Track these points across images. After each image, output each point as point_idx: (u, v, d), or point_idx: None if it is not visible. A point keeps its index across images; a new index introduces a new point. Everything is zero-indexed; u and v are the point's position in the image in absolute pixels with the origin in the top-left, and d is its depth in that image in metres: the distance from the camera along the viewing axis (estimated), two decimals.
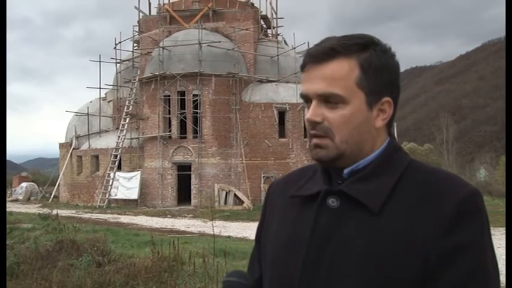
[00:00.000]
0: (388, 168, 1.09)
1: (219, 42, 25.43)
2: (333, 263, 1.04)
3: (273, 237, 1.19)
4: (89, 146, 28.57)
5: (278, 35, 31.42)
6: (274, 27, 31.19)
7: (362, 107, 1.08)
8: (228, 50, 25.61)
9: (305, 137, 24.82)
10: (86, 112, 29.57)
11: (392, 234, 1.02)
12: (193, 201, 24.49)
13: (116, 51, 28.93)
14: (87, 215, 20.62)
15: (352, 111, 1.07)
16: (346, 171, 1.11)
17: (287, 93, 25.28)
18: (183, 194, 25.05)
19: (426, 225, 1.01)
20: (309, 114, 1.09)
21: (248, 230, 15.11)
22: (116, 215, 20.62)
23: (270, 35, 30.94)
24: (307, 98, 1.11)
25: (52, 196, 30.29)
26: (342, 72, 1.07)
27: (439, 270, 1.00)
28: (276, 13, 31.04)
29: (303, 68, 1.13)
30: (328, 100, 1.08)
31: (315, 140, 1.10)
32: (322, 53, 1.09)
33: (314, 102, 1.09)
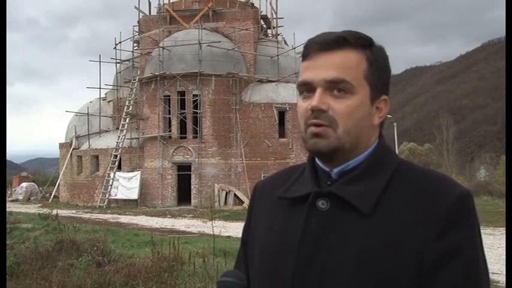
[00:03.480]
0: (378, 169, 1.08)
1: (219, 42, 25.43)
2: (325, 266, 1.02)
3: (261, 241, 1.16)
4: (89, 146, 28.56)
5: (278, 35, 31.44)
6: (274, 27, 31.21)
7: (366, 100, 1.07)
8: (228, 50, 25.62)
9: None
10: (86, 112, 29.58)
11: (384, 237, 1.00)
12: (193, 201, 24.49)
13: (115, 52, 28.98)
14: (87, 215, 20.60)
15: (358, 103, 1.06)
16: (335, 171, 1.09)
17: (287, 93, 25.29)
18: (183, 194, 25.05)
19: (419, 227, 1.00)
20: (315, 101, 1.04)
21: None
22: (115, 215, 20.61)
23: (270, 35, 30.94)
24: (309, 87, 1.07)
25: (52, 196, 30.29)
26: (352, 62, 1.06)
27: (433, 272, 0.99)
28: (276, 13, 31.08)
29: (306, 56, 1.09)
30: (337, 88, 1.05)
31: (313, 129, 1.05)
32: (333, 41, 1.06)
33: (319, 90, 1.05)
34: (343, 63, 1.05)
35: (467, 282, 0.99)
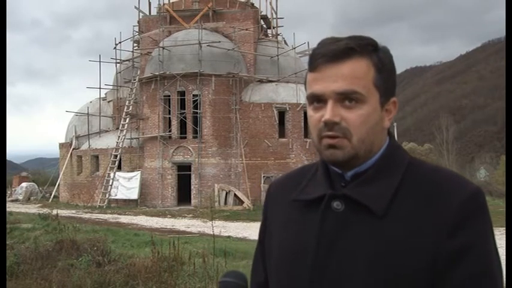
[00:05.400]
0: (390, 169, 1.10)
1: (219, 42, 25.42)
2: (341, 266, 1.04)
3: (278, 241, 1.18)
4: (89, 146, 28.56)
5: (278, 35, 31.43)
6: (274, 27, 31.20)
7: (377, 106, 1.09)
8: (228, 50, 25.61)
9: (305, 137, 24.85)
10: (86, 112, 29.58)
11: (398, 236, 1.02)
12: (193, 201, 24.48)
13: (115, 52, 28.97)
14: (87, 215, 20.61)
15: (369, 111, 1.07)
16: (349, 173, 1.11)
17: (287, 93, 25.28)
18: (183, 194, 25.04)
19: (431, 225, 1.02)
20: (328, 114, 1.06)
21: (248, 230, 15.10)
22: (116, 215, 20.62)
23: (270, 35, 30.93)
24: (320, 98, 1.08)
25: (52, 196, 30.28)
26: (361, 71, 1.07)
27: (447, 270, 1.00)
28: (276, 13, 31.06)
29: (314, 68, 1.09)
30: (348, 98, 1.06)
31: (328, 141, 1.07)
32: (340, 52, 1.07)
33: (331, 102, 1.06)
34: (352, 74, 1.06)
35: (481, 279, 1.00)
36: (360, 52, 1.07)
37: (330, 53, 1.07)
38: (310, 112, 1.11)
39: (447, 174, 1.09)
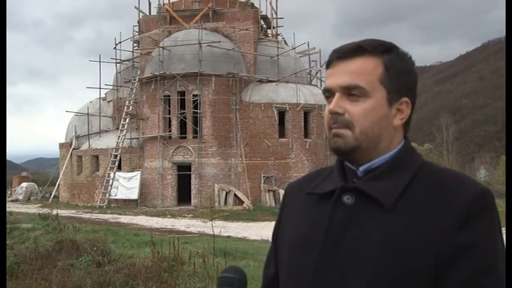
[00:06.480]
0: (401, 168, 1.13)
1: (219, 42, 25.43)
2: (348, 257, 1.07)
3: (291, 234, 1.22)
4: (89, 146, 28.56)
5: (278, 35, 31.42)
6: (274, 27, 31.20)
7: (382, 102, 1.13)
8: (228, 50, 25.61)
9: (305, 137, 24.86)
10: (86, 112, 29.58)
11: (405, 231, 1.05)
12: (193, 201, 24.48)
13: (116, 52, 28.97)
14: (87, 215, 20.62)
15: (373, 105, 1.12)
16: (361, 169, 1.15)
17: (287, 93, 25.28)
18: (183, 194, 25.04)
19: (438, 222, 1.04)
20: (331, 105, 1.13)
21: (248, 230, 15.11)
22: (115, 215, 20.62)
23: (270, 35, 30.93)
24: (330, 93, 1.16)
25: (52, 196, 30.28)
26: (367, 68, 1.13)
27: (450, 267, 1.02)
28: (276, 13, 31.05)
29: (328, 65, 1.18)
30: (351, 93, 1.12)
31: (334, 130, 1.14)
32: (350, 50, 1.15)
33: (337, 95, 1.13)
34: (357, 70, 1.13)
35: (483, 277, 1.01)
36: (370, 51, 1.14)
37: (341, 50, 1.16)
38: (326, 107, 1.18)
39: (456, 175, 1.13)
